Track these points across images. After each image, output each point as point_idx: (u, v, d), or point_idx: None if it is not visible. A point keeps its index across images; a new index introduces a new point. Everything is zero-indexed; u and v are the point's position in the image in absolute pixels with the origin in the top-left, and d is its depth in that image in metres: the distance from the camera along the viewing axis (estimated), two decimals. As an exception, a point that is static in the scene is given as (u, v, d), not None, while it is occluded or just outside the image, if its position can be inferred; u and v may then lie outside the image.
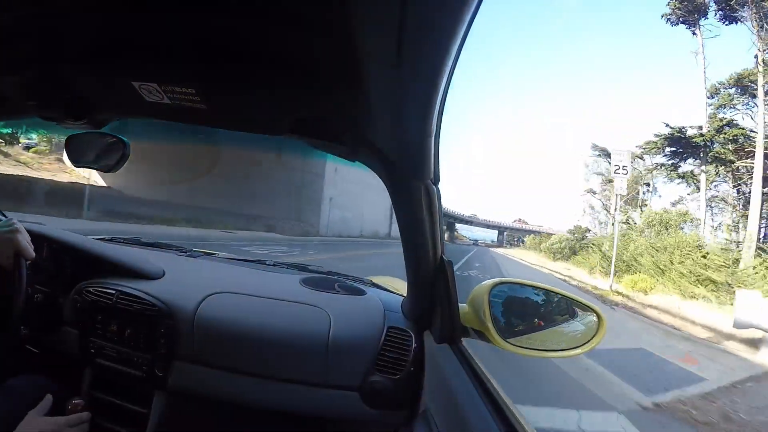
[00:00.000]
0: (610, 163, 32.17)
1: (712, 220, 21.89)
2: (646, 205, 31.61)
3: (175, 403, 1.12)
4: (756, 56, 17.81)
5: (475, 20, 0.38)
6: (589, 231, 34.13)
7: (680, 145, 22.41)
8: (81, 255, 1.21)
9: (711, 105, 21.26)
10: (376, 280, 1.53)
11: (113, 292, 1.13)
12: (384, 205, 32.76)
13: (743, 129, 20.21)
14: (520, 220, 48.19)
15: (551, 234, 36.59)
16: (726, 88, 20.51)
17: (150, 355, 1.09)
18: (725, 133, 20.53)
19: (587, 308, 0.98)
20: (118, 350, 1.11)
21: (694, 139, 21.43)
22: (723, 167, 21.25)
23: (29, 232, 1.18)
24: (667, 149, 23.63)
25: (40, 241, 1.19)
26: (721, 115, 21.06)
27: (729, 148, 20.49)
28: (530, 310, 1.03)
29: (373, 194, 29.06)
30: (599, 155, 34.17)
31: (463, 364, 0.88)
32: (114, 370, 1.10)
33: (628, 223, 31.68)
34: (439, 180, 0.76)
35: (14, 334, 1.06)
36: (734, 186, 22.24)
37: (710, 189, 23.45)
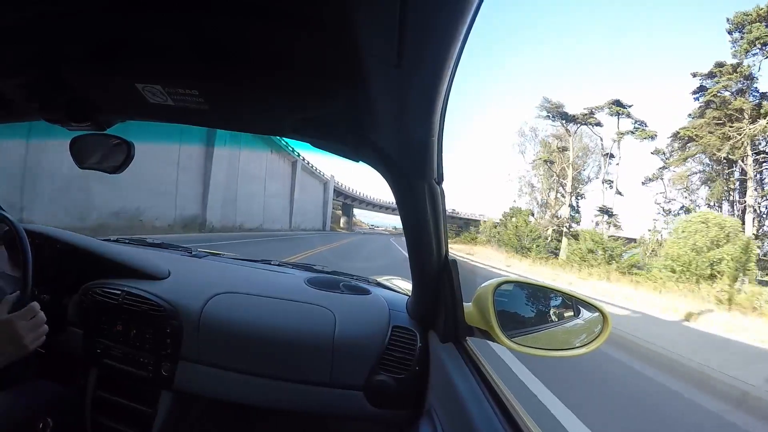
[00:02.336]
0: (564, 125, 26.22)
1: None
2: (611, 183, 24.88)
3: (180, 403, 1.12)
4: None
5: (476, 19, 0.38)
6: (533, 214, 27.38)
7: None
8: (87, 256, 1.22)
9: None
10: (380, 279, 1.53)
11: (119, 292, 1.13)
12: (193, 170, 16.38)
13: None
14: (453, 210, 42.78)
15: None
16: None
17: (156, 356, 1.09)
18: None
19: (592, 307, 0.98)
20: (123, 350, 1.11)
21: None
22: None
23: (36, 233, 1.19)
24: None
25: (46, 242, 1.20)
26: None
27: None
28: (535, 309, 1.03)
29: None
30: (548, 116, 26.90)
31: (468, 363, 0.88)
32: (120, 370, 1.11)
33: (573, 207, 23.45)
34: (442, 179, 0.76)
35: None
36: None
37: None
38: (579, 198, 27.69)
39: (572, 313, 1.01)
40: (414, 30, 0.39)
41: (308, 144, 0.73)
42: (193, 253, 1.54)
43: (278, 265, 1.56)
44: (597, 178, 26.89)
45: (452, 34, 0.39)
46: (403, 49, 0.42)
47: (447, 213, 0.85)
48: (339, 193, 46.83)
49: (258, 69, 0.55)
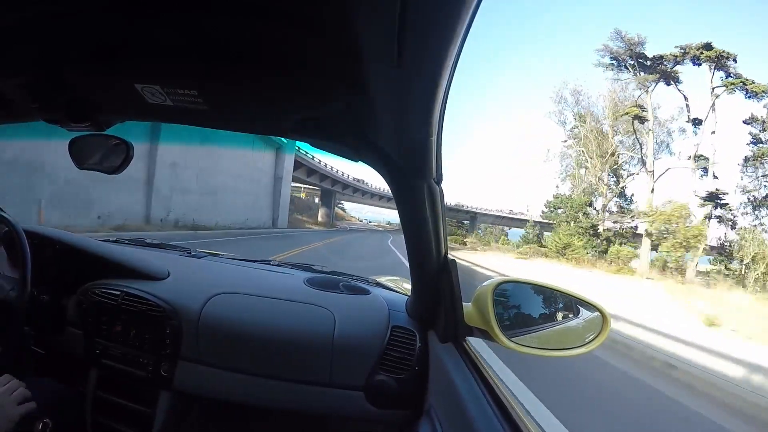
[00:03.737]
0: (639, 76, 16.90)
1: None
2: (704, 159, 15.09)
3: (180, 404, 1.12)
4: None
5: (475, 19, 0.38)
6: (591, 205, 20.20)
7: None
8: (85, 256, 1.22)
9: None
10: (380, 279, 1.53)
11: (118, 293, 1.13)
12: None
13: None
14: (511, 211, 35.39)
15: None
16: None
17: (155, 356, 1.09)
18: None
19: (591, 306, 0.98)
20: (123, 351, 1.11)
21: None
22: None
23: (36, 233, 1.19)
24: None
25: (45, 243, 1.20)
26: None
27: None
28: (534, 309, 1.03)
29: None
30: (613, 64, 17.79)
31: (468, 363, 0.88)
32: (119, 370, 1.11)
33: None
34: (441, 179, 0.76)
35: (20, 335, 1.07)
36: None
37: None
38: (624, 186, 21.21)
39: (572, 313, 1.01)
40: (414, 30, 0.39)
41: (308, 144, 0.73)
42: (192, 253, 1.54)
43: (277, 265, 1.56)
44: (658, 158, 19.91)
45: (452, 33, 0.39)
46: (403, 49, 0.42)
47: (449, 207, 0.85)
48: (312, 171, 28.76)
49: (257, 69, 0.55)
